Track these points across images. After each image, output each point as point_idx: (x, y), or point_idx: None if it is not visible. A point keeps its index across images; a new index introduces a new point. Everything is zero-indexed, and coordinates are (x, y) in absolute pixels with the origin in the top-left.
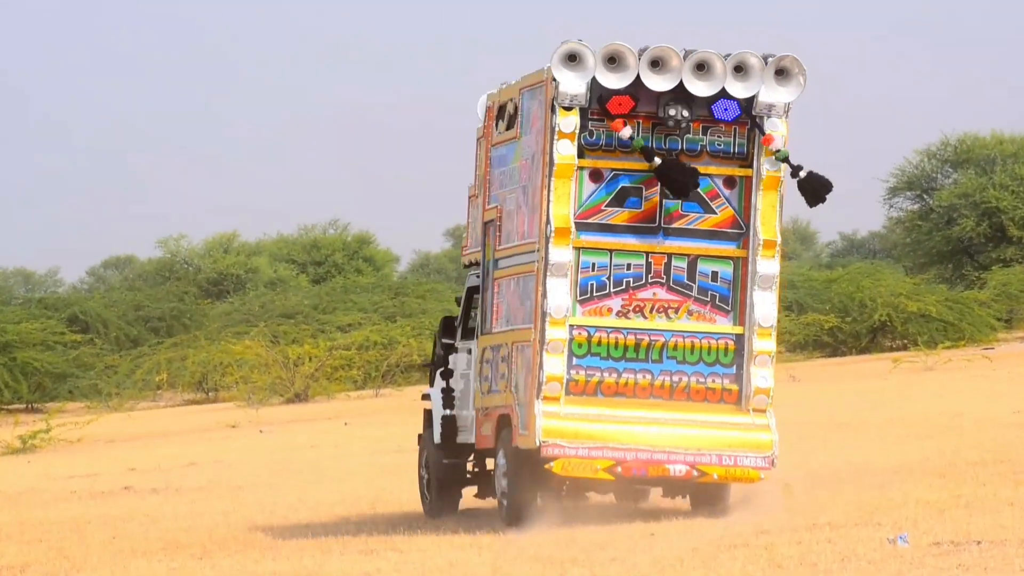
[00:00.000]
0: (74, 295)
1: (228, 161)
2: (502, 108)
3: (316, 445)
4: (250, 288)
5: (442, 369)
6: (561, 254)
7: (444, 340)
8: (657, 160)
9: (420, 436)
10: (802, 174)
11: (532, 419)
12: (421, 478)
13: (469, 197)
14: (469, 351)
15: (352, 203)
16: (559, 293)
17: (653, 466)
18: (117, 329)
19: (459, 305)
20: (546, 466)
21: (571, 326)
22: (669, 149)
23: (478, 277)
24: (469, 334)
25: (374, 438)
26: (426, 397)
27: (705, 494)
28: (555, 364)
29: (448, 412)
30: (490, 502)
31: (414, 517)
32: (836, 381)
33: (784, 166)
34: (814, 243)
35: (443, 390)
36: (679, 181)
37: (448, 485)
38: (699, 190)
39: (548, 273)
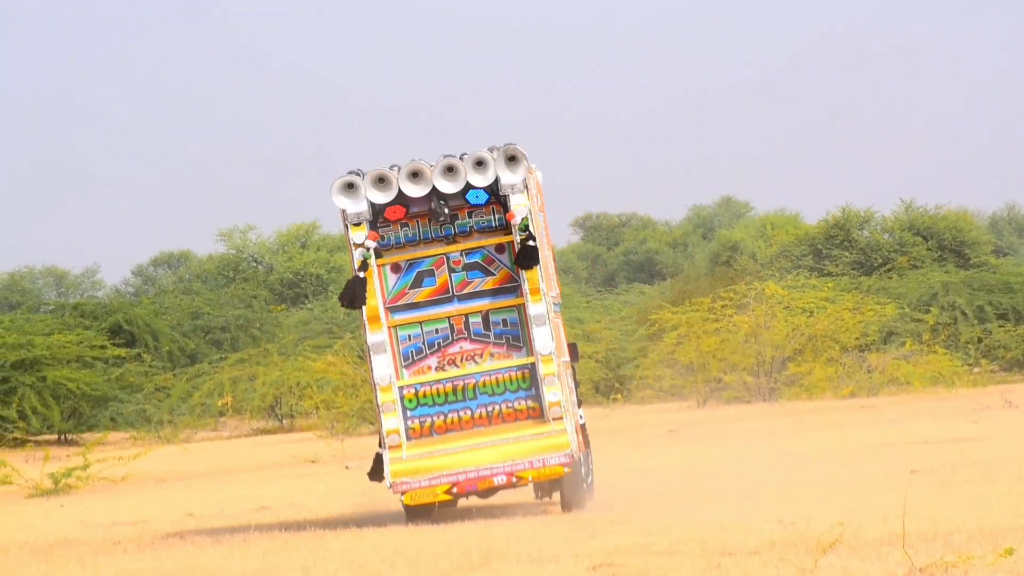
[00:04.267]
0: (117, 300)
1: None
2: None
3: None
4: (333, 291)
5: None
6: (376, 336)
7: None
8: (360, 274)
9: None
10: (529, 242)
11: (384, 465)
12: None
13: None
14: None
15: None
16: (382, 366)
17: (481, 481)
18: (170, 342)
19: None
20: (400, 500)
21: (401, 387)
22: (445, 235)
23: None
24: None
25: None
26: None
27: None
28: (391, 420)
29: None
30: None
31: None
32: None
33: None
34: None
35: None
36: (349, 296)
37: None
38: (479, 259)
39: (371, 352)
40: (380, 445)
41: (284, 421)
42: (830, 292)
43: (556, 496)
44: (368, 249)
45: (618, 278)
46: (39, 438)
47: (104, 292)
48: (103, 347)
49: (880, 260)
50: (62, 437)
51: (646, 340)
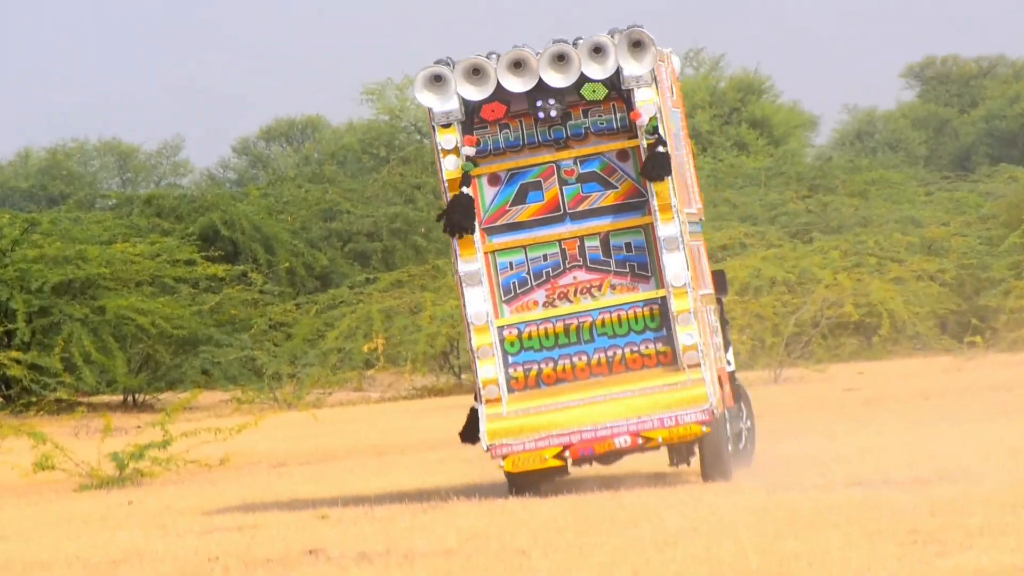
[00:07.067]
0: (211, 192)
1: None
2: None
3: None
4: None
5: None
6: (469, 265)
7: None
8: (465, 190)
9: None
10: (659, 148)
11: (479, 423)
12: None
13: None
14: None
15: None
16: (476, 301)
17: (599, 443)
18: (291, 255)
19: None
20: (498, 466)
21: (501, 328)
22: (555, 139)
23: None
24: None
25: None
26: None
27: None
28: (488, 368)
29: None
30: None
31: None
32: None
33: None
34: None
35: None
36: (454, 218)
37: None
38: (596, 168)
39: (463, 284)
40: (476, 399)
41: (463, 377)
42: None
43: (694, 463)
44: (467, 158)
45: (976, 156)
46: (95, 399)
47: (191, 180)
48: (190, 263)
49: None
50: (130, 399)
51: (1021, 252)
